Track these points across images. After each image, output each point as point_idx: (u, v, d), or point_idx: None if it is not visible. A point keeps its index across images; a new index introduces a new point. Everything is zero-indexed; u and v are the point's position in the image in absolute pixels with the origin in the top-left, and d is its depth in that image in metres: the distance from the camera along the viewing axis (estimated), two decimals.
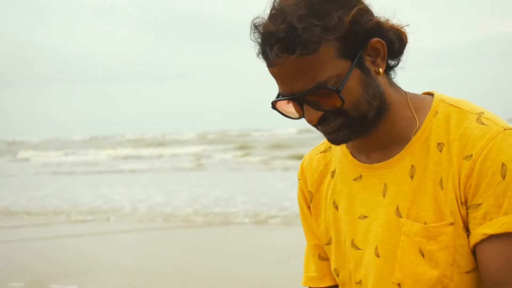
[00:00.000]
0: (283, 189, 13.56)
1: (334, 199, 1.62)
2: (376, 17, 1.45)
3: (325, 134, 1.49)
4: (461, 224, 1.44)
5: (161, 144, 36.72)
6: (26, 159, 30.87)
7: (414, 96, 1.54)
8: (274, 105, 1.47)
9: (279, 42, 1.37)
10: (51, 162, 27.59)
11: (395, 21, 1.48)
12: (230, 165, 21.69)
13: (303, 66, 1.38)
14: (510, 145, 1.42)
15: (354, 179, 1.58)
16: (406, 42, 1.50)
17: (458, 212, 1.44)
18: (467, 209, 1.44)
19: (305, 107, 1.42)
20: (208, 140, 36.89)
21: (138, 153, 30.96)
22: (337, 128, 1.45)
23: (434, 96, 1.54)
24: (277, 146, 29.86)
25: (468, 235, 1.45)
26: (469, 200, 1.43)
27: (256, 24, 1.42)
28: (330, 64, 1.39)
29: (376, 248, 1.52)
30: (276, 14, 1.40)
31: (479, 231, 1.42)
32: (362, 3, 1.43)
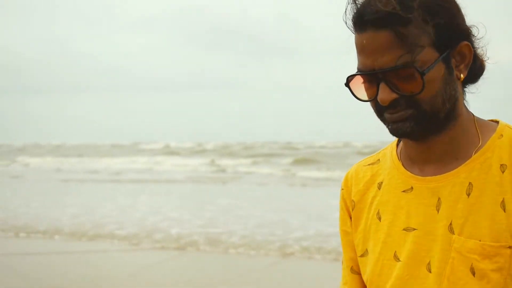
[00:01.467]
0: None
1: (378, 210, 1.57)
2: (468, 25, 1.46)
3: (389, 123, 1.45)
4: None
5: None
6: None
7: (480, 118, 1.53)
8: (348, 82, 1.45)
9: (378, 12, 1.37)
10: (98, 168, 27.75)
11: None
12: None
13: (394, 42, 1.36)
14: None
15: (403, 191, 1.53)
16: (484, 68, 1.51)
17: None
18: None
19: (382, 85, 1.40)
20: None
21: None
22: (404, 118, 1.42)
23: (500, 122, 1.53)
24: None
25: None
26: None
27: None
28: (420, 48, 1.38)
29: (429, 263, 1.47)
30: None
31: None
32: (461, 8, 1.45)
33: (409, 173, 1.53)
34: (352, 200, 1.64)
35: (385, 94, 1.40)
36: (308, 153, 35.33)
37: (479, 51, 1.49)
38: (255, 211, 13.20)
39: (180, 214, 12.92)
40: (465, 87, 1.51)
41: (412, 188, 1.52)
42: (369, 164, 1.65)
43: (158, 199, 15.79)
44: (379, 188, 1.59)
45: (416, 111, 1.41)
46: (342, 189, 1.68)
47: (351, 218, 1.65)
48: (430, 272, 1.46)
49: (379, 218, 1.56)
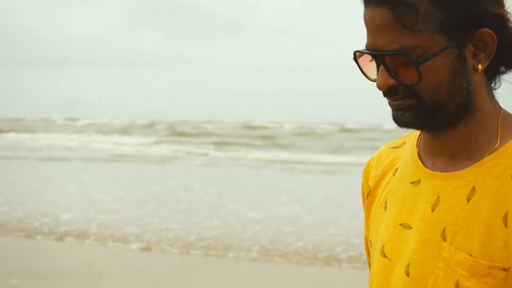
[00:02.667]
0: None
1: (387, 199, 1.45)
2: (507, 11, 1.30)
3: (391, 109, 1.34)
4: None
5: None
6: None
7: (508, 114, 1.37)
8: (355, 57, 1.35)
9: None
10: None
11: None
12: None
13: (393, 23, 1.25)
14: None
15: (411, 182, 1.41)
16: None
17: None
18: None
19: (381, 69, 1.29)
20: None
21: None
22: (403, 107, 1.31)
23: None
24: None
25: None
26: None
27: None
28: (424, 32, 1.25)
29: (408, 265, 1.34)
30: None
31: None
32: None
33: (420, 164, 1.41)
34: (369, 185, 1.54)
35: (382, 79, 1.30)
36: (232, 134, 35.23)
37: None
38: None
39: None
40: (496, 77, 1.35)
41: (419, 181, 1.40)
42: (393, 147, 1.53)
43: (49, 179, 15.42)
44: (393, 174, 1.48)
45: (416, 101, 1.30)
46: (363, 172, 1.58)
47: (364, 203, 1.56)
48: (408, 276, 1.34)
49: (385, 208, 1.46)
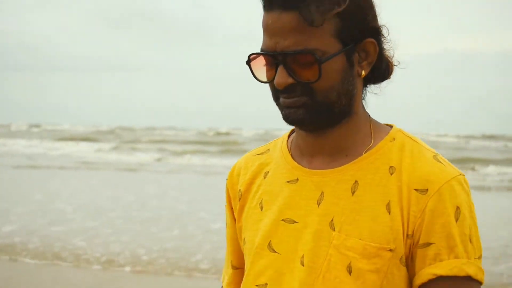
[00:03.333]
0: None
1: (262, 199, 1.56)
2: (379, 25, 1.46)
3: (283, 108, 1.45)
4: (400, 254, 1.42)
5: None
6: None
7: (376, 120, 1.54)
8: (249, 60, 1.45)
9: None
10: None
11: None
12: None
13: (299, 26, 1.37)
14: (464, 191, 1.44)
15: (288, 181, 1.53)
16: (391, 74, 1.52)
17: (402, 242, 1.42)
18: (413, 245, 1.42)
19: (280, 69, 1.40)
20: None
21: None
22: (298, 105, 1.42)
23: (393, 126, 1.54)
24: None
25: (405, 268, 1.44)
26: (420, 238, 1.42)
27: None
28: (324, 37, 1.39)
29: (303, 256, 1.46)
30: None
31: (428, 271, 1.41)
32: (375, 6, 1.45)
33: (296, 163, 1.53)
34: (239, 189, 1.62)
35: (282, 78, 1.40)
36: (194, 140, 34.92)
37: (388, 53, 1.50)
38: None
39: None
40: (367, 86, 1.51)
41: (297, 179, 1.51)
42: (258, 154, 1.64)
43: None
44: (264, 177, 1.58)
45: (310, 99, 1.41)
46: (227, 179, 1.67)
47: (232, 209, 1.65)
48: (303, 265, 1.46)
49: (261, 208, 1.55)
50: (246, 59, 1.46)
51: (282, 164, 1.56)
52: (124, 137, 38.12)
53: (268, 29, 1.41)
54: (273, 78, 1.43)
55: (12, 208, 11.47)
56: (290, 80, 1.40)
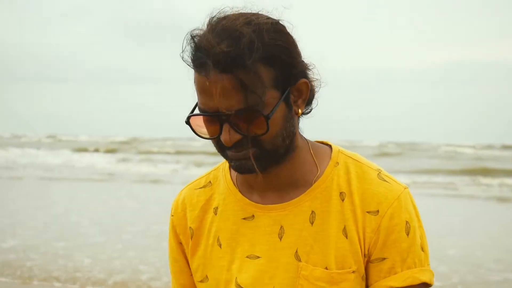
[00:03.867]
0: None
1: (218, 236, 1.59)
2: (304, 61, 1.50)
3: (232, 160, 1.48)
4: (362, 273, 1.52)
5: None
6: None
7: (314, 144, 1.59)
8: (188, 119, 1.47)
9: (221, 58, 1.37)
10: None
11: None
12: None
13: (238, 85, 1.38)
14: (410, 204, 1.54)
15: (244, 218, 1.57)
16: (315, 92, 1.54)
17: (361, 262, 1.51)
18: (369, 261, 1.52)
19: (225, 127, 1.42)
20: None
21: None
22: (247, 156, 1.45)
23: (332, 147, 1.60)
24: None
25: (366, 284, 1.53)
26: (374, 253, 1.51)
27: (195, 35, 1.43)
28: (264, 90, 1.40)
29: None
30: (220, 30, 1.40)
31: (384, 283, 1.51)
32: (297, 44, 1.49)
33: (247, 200, 1.57)
34: (190, 227, 1.63)
35: (228, 136, 1.42)
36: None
37: (311, 79, 1.52)
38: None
39: None
40: (300, 116, 1.53)
41: (253, 216, 1.56)
42: (200, 188, 1.66)
43: None
44: (215, 213, 1.61)
45: (259, 149, 1.45)
46: (172, 215, 1.68)
47: (181, 244, 1.66)
48: None
49: (220, 245, 1.58)
50: (186, 119, 1.46)
51: (232, 200, 1.59)
52: (141, 148, 37.75)
53: (205, 91, 1.41)
54: (218, 135, 1.44)
55: (24, 222, 10.62)
56: (237, 137, 1.42)
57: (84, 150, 36.20)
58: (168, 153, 34.51)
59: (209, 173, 1.67)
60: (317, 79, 1.53)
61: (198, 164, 26.73)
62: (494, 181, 20.23)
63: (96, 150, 36.08)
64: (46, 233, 9.70)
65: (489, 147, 42.67)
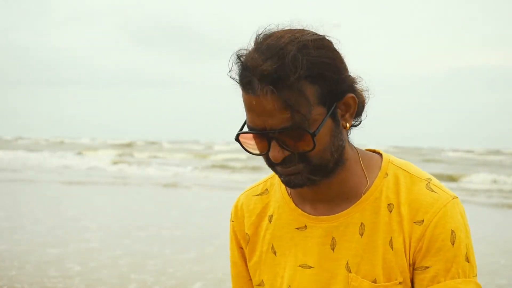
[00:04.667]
0: None
1: (272, 244, 1.63)
2: (351, 75, 1.50)
3: (282, 175, 1.50)
4: (409, 284, 1.53)
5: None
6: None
7: (364, 153, 1.60)
8: (238, 137, 1.49)
9: (266, 76, 1.39)
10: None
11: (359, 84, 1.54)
12: None
13: (284, 104, 1.39)
14: (458, 213, 1.54)
15: (297, 228, 1.60)
16: (365, 104, 1.55)
17: (407, 273, 1.52)
18: (413, 270, 1.53)
19: (273, 144, 1.45)
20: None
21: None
22: (296, 172, 1.47)
23: (383, 156, 1.61)
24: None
25: None
26: (417, 262, 1.52)
27: (240, 54, 1.45)
28: (309, 108, 1.41)
29: None
30: (265, 48, 1.42)
31: None
32: (344, 59, 1.49)
33: (300, 210, 1.60)
34: (246, 233, 1.69)
35: (276, 153, 1.44)
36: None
37: (359, 90, 1.52)
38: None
39: None
40: (351, 128, 1.54)
41: (305, 226, 1.59)
42: (257, 195, 1.70)
43: None
44: (270, 221, 1.65)
45: (307, 164, 1.46)
46: (232, 221, 1.73)
47: (241, 248, 1.71)
48: None
49: (274, 253, 1.63)
50: (235, 136, 1.49)
51: (286, 210, 1.63)
52: (147, 151, 37.57)
53: (253, 109, 1.43)
54: (267, 151, 1.47)
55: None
56: (285, 153, 1.45)
57: (93, 150, 36.16)
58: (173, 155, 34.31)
59: (266, 180, 1.72)
60: (365, 90, 1.54)
61: (204, 168, 26.31)
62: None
63: (101, 153, 35.88)
64: (45, 237, 9.34)
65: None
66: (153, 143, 46.67)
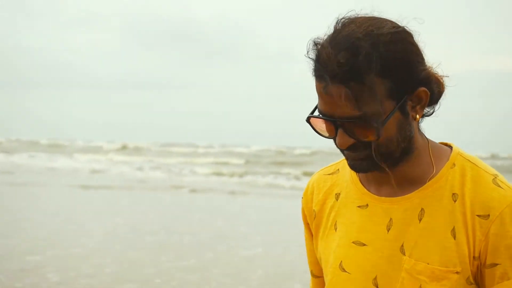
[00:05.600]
0: None
1: (336, 221, 1.68)
2: (428, 66, 1.52)
3: (348, 159, 1.56)
4: (467, 275, 1.53)
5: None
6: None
7: (434, 144, 1.63)
8: (308, 119, 1.54)
9: (337, 67, 1.43)
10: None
11: (438, 69, 1.55)
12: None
13: (353, 95, 1.43)
14: None
15: (359, 206, 1.64)
16: (443, 92, 1.57)
17: (467, 264, 1.52)
18: (481, 265, 1.53)
19: (340, 131, 1.50)
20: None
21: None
22: (361, 157, 1.52)
23: (453, 148, 1.62)
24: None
25: (473, 286, 1.54)
26: (486, 259, 1.52)
27: (317, 42, 1.49)
28: (378, 100, 1.45)
29: (375, 278, 1.58)
30: (338, 41, 1.45)
31: None
32: (421, 51, 1.51)
33: (365, 190, 1.64)
34: (314, 209, 1.74)
35: (343, 140, 1.50)
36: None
37: (435, 84, 1.53)
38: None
39: None
40: (422, 117, 1.56)
41: (367, 205, 1.63)
42: (329, 174, 1.76)
43: None
44: (336, 199, 1.70)
45: (373, 153, 1.50)
46: (302, 197, 1.79)
47: (308, 224, 1.78)
48: (377, 287, 1.58)
49: (335, 229, 1.67)
50: (306, 118, 1.53)
51: (352, 189, 1.67)
52: (153, 154, 37.71)
53: (322, 96, 1.48)
54: (334, 136, 1.51)
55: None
56: (351, 141, 1.50)
57: (102, 153, 36.28)
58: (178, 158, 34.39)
59: (340, 161, 1.76)
60: (445, 77, 1.56)
61: (207, 175, 26.31)
62: None
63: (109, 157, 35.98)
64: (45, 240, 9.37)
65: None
66: (162, 145, 46.75)
